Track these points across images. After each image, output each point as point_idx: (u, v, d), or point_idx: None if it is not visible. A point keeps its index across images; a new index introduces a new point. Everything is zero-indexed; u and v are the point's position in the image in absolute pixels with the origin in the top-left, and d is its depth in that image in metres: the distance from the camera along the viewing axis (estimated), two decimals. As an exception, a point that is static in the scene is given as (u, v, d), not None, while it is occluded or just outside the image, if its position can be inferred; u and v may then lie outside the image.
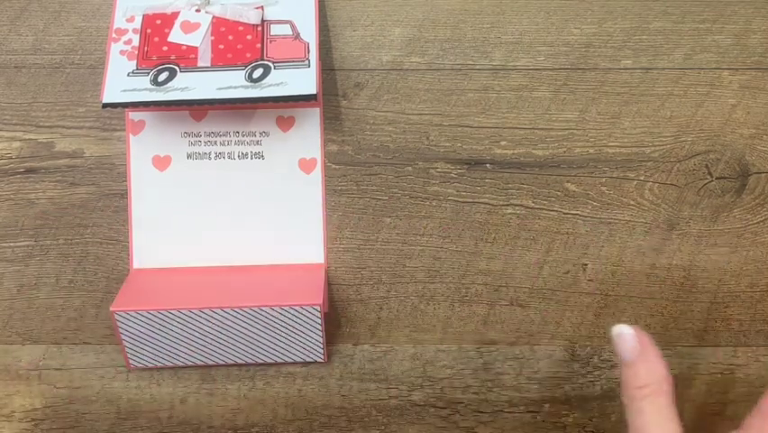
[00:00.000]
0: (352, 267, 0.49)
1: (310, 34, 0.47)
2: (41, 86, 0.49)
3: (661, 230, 0.49)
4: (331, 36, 0.49)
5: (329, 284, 0.49)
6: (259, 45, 0.47)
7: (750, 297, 0.49)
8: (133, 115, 0.48)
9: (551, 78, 0.49)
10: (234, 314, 0.45)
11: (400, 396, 0.50)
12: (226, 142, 0.48)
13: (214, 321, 0.45)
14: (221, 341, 0.46)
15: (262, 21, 0.47)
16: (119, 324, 0.45)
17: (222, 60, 0.46)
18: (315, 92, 0.45)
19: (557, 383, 0.50)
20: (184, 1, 0.47)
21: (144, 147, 0.48)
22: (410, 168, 0.49)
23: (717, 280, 0.49)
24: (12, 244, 0.49)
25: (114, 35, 0.47)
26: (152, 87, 0.45)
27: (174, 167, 0.48)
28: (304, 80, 0.45)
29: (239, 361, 0.47)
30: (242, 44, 0.47)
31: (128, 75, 0.46)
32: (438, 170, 0.49)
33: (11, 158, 0.49)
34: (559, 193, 0.49)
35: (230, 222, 0.48)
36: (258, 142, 0.47)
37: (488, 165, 0.49)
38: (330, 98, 0.49)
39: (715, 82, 0.49)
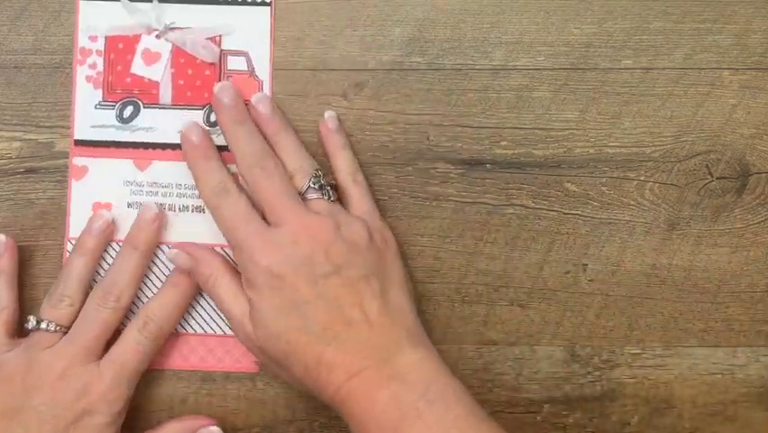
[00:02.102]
0: (352, 267, 0.49)
1: (264, 68, 0.49)
2: (40, 86, 0.49)
3: (661, 230, 0.49)
4: (331, 36, 0.49)
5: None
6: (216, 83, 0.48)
7: (750, 297, 0.49)
8: (77, 161, 0.49)
9: (551, 78, 0.49)
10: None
11: (400, 396, 0.50)
12: (168, 194, 0.48)
13: None
14: None
15: (220, 52, 0.48)
16: None
17: (182, 99, 0.48)
18: None
19: (557, 384, 0.50)
20: (144, 24, 0.48)
21: (86, 193, 0.49)
22: (410, 168, 0.49)
23: (718, 281, 0.49)
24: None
25: (78, 56, 0.48)
26: (119, 123, 0.48)
27: (114, 214, 0.48)
28: None
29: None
30: (201, 80, 0.48)
31: (95, 107, 0.48)
32: (438, 170, 0.49)
33: (11, 158, 0.49)
34: (559, 193, 0.49)
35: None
36: (199, 196, 0.47)
37: (488, 165, 0.49)
38: (330, 98, 0.49)
39: (715, 82, 0.49)
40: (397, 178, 0.49)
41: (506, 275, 0.49)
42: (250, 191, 0.46)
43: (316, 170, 0.46)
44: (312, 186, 0.46)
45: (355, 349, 0.42)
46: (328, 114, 0.48)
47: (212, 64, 0.48)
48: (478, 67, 0.49)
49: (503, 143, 0.49)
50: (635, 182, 0.49)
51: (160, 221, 0.48)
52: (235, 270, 0.46)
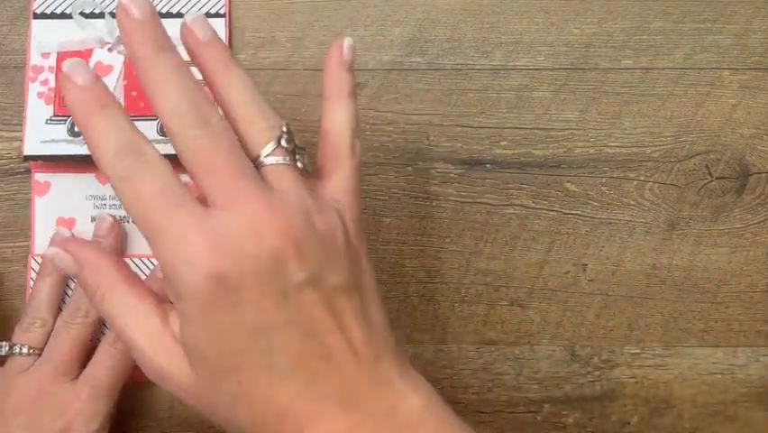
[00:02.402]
0: (352, 267, 0.49)
1: None
2: (41, 86, 0.49)
3: (661, 230, 0.49)
4: (331, 36, 0.49)
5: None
6: None
7: (750, 297, 0.49)
8: (39, 177, 0.48)
9: (551, 78, 0.49)
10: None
11: (400, 396, 0.50)
12: None
13: None
14: None
15: None
16: None
17: (134, 110, 0.48)
18: None
19: (557, 384, 0.50)
20: (96, 38, 0.48)
21: (49, 208, 0.48)
22: (410, 168, 0.49)
23: (718, 281, 0.49)
24: (12, 244, 0.49)
25: (30, 73, 0.48)
26: (69, 137, 0.47)
27: (78, 229, 0.48)
28: None
29: None
30: None
31: (46, 122, 0.48)
32: (438, 170, 0.49)
33: (11, 158, 0.49)
34: (559, 193, 0.49)
35: None
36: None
37: (488, 165, 0.49)
38: (330, 98, 0.49)
39: (715, 82, 0.49)
40: (397, 178, 0.49)
41: (506, 275, 0.49)
42: (180, 157, 0.30)
43: (286, 124, 0.32)
44: (282, 145, 0.31)
45: (339, 394, 0.30)
46: (348, 41, 0.34)
47: None
48: (478, 67, 0.49)
49: (503, 143, 0.49)
50: (635, 182, 0.49)
51: (117, 231, 0.46)
52: (136, 278, 0.33)
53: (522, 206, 0.49)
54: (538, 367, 0.50)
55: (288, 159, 0.31)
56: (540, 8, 0.49)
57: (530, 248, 0.49)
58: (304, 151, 0.32)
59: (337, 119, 0.34)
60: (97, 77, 0.31)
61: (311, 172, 0.32)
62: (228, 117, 0.31)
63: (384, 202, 0.49)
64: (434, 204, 0.49)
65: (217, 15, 0.49)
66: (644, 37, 0.49)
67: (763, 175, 0.49)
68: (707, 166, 0.49)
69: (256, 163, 0.31)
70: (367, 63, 0.49)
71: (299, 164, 0.31)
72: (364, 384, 0.30)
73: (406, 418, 0.30)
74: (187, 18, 0.32)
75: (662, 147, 0.49)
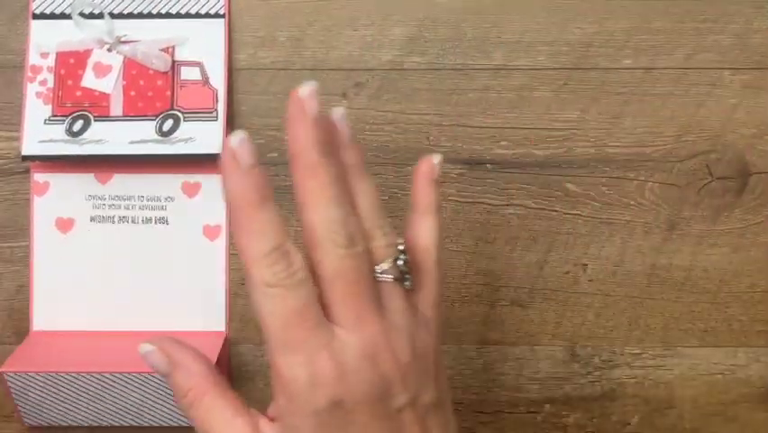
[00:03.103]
0: (352, 267, 0.49)
1: (219, 78, 0.48)
2: (40, 85, 0.49)
3: (661, 230, 0.49)
4: (331, 36, 0.49)
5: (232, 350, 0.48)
6: (169, 93, 0.48)
7: (750, 297, 0.49)
8: (38, 177, 0.48)
9: (551, 77, 0.49)
10: (123, 378, 0.45)
11: (400, 396, 0.50)
12: (130, 207, 0.48)
13: (103, 384, 0.45)
14: (110, 403, 0.46)
15: (173, 62, 0.48)
16: (9, 384, 0.45)
17: (133, 110, 0.48)
18: (220, 151, 0.45)
19: (557, 384, 0.50)
20: (95, 38, 0.48)
21: (48, 208, 0.48)
22: (410, 168, 0.49)
23: (718, 281, 0.49)
24: (12, 244, 0.49)
25: (29, 73, 0.48)
26: (68, 137, 0.47)
27: (77, 229, 0.48)
28: (210, 137, 0.47)
29: (131, 424, 0.46)
30: (153, 91, 0.48)
31: (44, 122, 0.48)
32: (438, 170, 0.49)
33: (11, 158, 0.49)
34: (559, 193, 0.49)
35: (131, 287, 0.48)
36: (162, 207, 0.48)
37: (488, 165, 0.49)
38: (330, 98, 0.49)
39: (716, 82, 0.49)
40: (397, 178, 0.49)
41: (506, 275, 0.49)
42: (318, 269, 0.31)
43: (400, 243, 0.33)
44: (398, 264, 0.32)
45: None
46: (437, 158, 0.36)
47: (164, 74, 0.48)
48: (478, 67, 0.49)
49: (503, 143, 0.49)
50: (636, 182, 0.49)
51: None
52: (226, 385, 0.33)
53: (522, 206, 0.49)
54: (538, 367, 0.50)
55: (399, 281, 0.32)
56: (541, 8, 0.49)
57: (530, 248, 0.49)
58: (411, 272, 0.33)
59: (424, 234, 0.35)
60: (257, 165, 0.30)
61: (412, 290, 0.33)
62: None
63: (384, 202, 0.49)
64: (434, 204, 0.49)
65: (217, 16, 0.49)
66: (645, 37, 0.49)
67: (764, 175, 0.49)
68: (707, 166, 0.49)
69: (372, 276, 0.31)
70: (367, 63, 0.49)
71: (407, 284, 0.32)
72: None
73: None
74: (334, 113, 0.33)
75: (662, 147, 0.49)
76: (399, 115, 0.49)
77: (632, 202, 0.49)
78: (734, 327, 0.49)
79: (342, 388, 0.30)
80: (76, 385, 0.45)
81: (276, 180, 0.49)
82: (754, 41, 0.49)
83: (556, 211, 0.49)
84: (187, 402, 0.33)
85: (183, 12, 0.48)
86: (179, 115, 0.48)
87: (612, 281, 0.49)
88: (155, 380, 0.45)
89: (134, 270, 0.48)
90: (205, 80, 0.48)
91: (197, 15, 0.49)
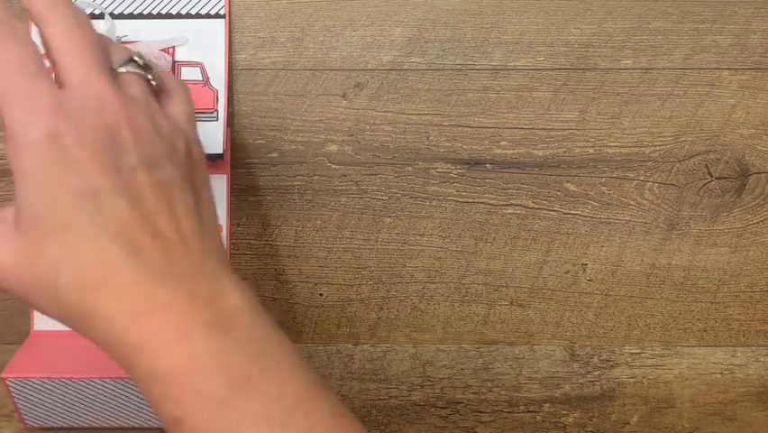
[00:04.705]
0: (352, 267, 0.49)
1: (220, 79, 0.48)
2: (40, 86, 0.49)
3: (661, 230, 0.49)
4: (331, 36, 0.49)
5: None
6: None
7: (750, 297, 0.49)
8: None
9: (551, 78, 0.49)
10: (124, 383, 0.44)
11: (400, 396, 0.50)
12: None
13: (104, 389, 0.45)
14: (112, 406, 0.45)
15: (173, 63, 0.48)
16: (11, 389, 0.45)
17: None
18: (221, 151, 0.47)
19: (557, 383, 0.50)
20: None
21: None
22: (410, 168, 0.49)
23: (717, 280, 0.49)
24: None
25: None
26: None
27: None
28: (211, 137, 0.47)
29: (132, 425, 0.46)
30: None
31: None
32: (438, 170, 0.49)
33: (11, 158, 0.49)
34: (559, 193, 0.49)
35: None
36: None
37: (488, 165, 0.49)
38: (330, 98, 0.49)
39: (715, 82, 0.49)
40: (397, 178, 0.49)
41: (506, 275, 0.49)
42: (42, 38, 0.33)
43: (140, 51, 0.36)
44: (135, 60, 0.35)
45: (163, 272, 0.30)
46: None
47: None
48: (478, 67, 0.49)
49: (503, 143, 0.49)
50: (635, 182, 0.49)
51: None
52: None
53: (522, 206, 0.49)
54: (538, 367, 0.50)
55: (141, 70, 0.34)
56: (540, 8, 0.50)
57: (530, 248, 0.49)
58: (154, 70, 0.35)
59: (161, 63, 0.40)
60: None
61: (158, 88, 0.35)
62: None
63: (384, 202, 0.49)
64: (434, 204, 0.49)
65: (217, 16, 0.49)
66: (644, 37, 0.49)
67: (763, 175, 0.49)
68: (706, 166, 0.49)
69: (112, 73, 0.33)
70: (367, 63, 0.49)
71: (150, 78, 0.35)
72: (189, 269, 0.31)
73: (225, 307, 0.31)
74: None
75: (661, 147, 0.49)
76: (399, 115, 0.49)
77: (631, 202, 0.49)
78: (733, 326, 0.50)
79: (61, 124, 0.30)
80: (77, 389, 0.45)
81: (276, 180, 0.49)
82: (753, 41, 0.49)
83: (556, 211, 0.49)
84: None
85: (183, 12, 0.49)
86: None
87: (611, 281, 0.49)
88: None
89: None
90: (206, 81, 0.48)
91: (198, 16, 0.49)
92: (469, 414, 0.50)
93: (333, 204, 0.49)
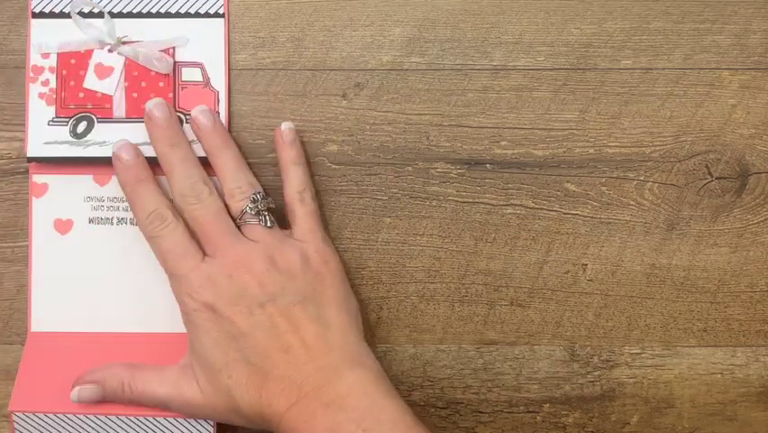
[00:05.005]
0: (352, 267, 0.49)
1: (220, 79, 0.48)
2: (40, 86, 0.49)
3: (661, 230, 0.49)
4: (331, 36, 0.49)
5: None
6: (171, 94, 0.48)
7: (750, 297, 0.49)
8: (36, 178, 0.48)
9: (551, 78, 0.49)
10: (129, 421, 0.46)
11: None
12: (129, 208, 0.47)
13: (110, 426, 0.46)
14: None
15: (174, 63, 0.48)
16: (15, 424, 0.46)
17: (136, 112, 0.48)
18: None
19: (557, 383, 0.50)
20: (96, 39, 0.48)
21: (47, 210, 0.48)
22: (410, 168, 0.49)
23: (717, 281, 0.49)
24: (12, 244, 0.49)
25: (31, 74, 0.48)
26: (72, 139, 0.48)
27: (76, 231, 0.48)
28: None
29: None
30: (155, 92, 0.48)
31: (48, 123, 0.48)
32: (438, 170, 0.49)
33: (11, 158, 0.49)
34: (559, 193, 0.49)
35: (129, 289, 0.48)
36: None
37: (488, 165, 0.49)
38: (330, 98, 0.49)
39: (715, 82, 0.49)
40: (397, 178, 0.49)
41: (506, 275, 0.49)
42: (186, 219, 0.45)
43: (256, 193, 0.45)
44: (248, 211, 0.45)
45: (294, 376, 0.42)
46: (285, 125, 0.47)
47: (166, 76, 0.48)
48: (478, 67, 0.49)
49: (503, 143, 0.49)
50: (635, 182, 0.49)
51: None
52: (139, 364, 0.46)
53: (522, 206, 0.49)
54: (538, 367, 0.50)
55: (256, 219, 0.45)
56: (540, 8, 0.50)
57: (530, 248, 0.49)
58: (270, 209, 0.46)
59: (288, 182, 0.47)
60: (139, 153, 0.47)
61: (275, 225, 0.46)
62: (222, 181, 0.46)
63: (384, 202, 0.49)
64: (434, 204, 0.49)
65: (216, 15, 0.49)
66: (644, 37, 0.49)
67: (763, 175, 0.49)
68: (706, 166, 0.49)
69: (237, 224, 0.45)
70: (367, 63, 0.49)
71: (265, 222, 0.45)
72: (311, 369, 0.42)
73: (340, 389, 0.42)
74: (195, 110, 0.47)
75: (661, 147, 0.49)
76: (399, 115, 0.49)
77: (631, 202, 0.49)
78: (733, 326, 0.50)
79: (207, 296, 0.43)
80: (81, 424, 0.46)
81: (276, 181, 0.49)
82: (753, 41, 0.49)
83: (556, 211, 0.49)
84: (127, 394, 0.45)
85: (183, 11, 0.49)
86: (182, 116, 0.48)
87: (611, 281, 0.49)
88: (152, 422, 0.46)
89: (133, 271, 0.48)
90: (207, 82, 0.48)
91: (197, 15, 0.49)
92: (469, 414, 0.50)
93: (333, 204, 0.49)
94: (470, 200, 0.49)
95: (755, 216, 0.49)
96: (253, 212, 0.45)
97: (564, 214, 0.49)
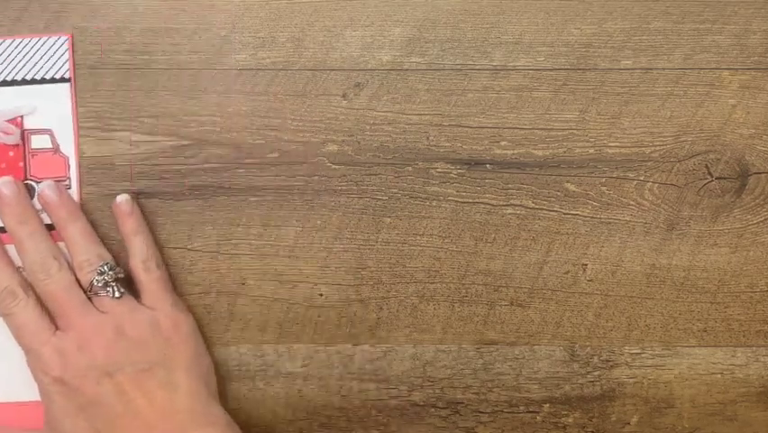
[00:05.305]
0: (352, 267, 0.49)
1: (69, 144, 0.48)
2: (40, 86, 0.49)
3: (661, 230, 0.49)
4: (331, 36, 0.49)
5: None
6: (21, 163, 0.48)
7: (750, 297, 0.49)
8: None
9: (551, 78, 0.49)
10: None
11: (400, 396, 0.50)
12: None
13: None
14: None
15: (23, 132, 0.48)
16: None
17: None
18: None
19: (557, 384, 0.50)
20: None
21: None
22: (410, 168, 0.49)
23: (717, 281, 0.49)
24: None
25: None
26: None
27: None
28: None
29: None
30: (5, 162, 0.48)
31: None
32: (438, 170, 0.49)
33: (11, 158, 0.49)
34: (559, 193, 0.49)
35: None
36: None
37: (488, 165, 0.49)
38: (330, 98, 0.49)
39: (715, 82, 0.49)
40: (397, 178, 0.49)
41: (505, 275, 0.49)
42: (38, 293, 0.46)
43: (103, 264, 0.47)
44: (96, 283, 0.46)
45: None
46: (121, 198, 0.48)
47: (15, 145, 0.48)
48: (478, 67, 0.49)
49: (503, 143, 0.49)
50: (635, 182, 0.49)
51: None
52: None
53: (522, 206, 0.49)
54: (538, 367, 0.50)
55: (104, 291, 0.46)
56: (540, 8, 0.50)
57: (530, 248, 0.49)
58: (119, 279, 0.47)
59: (132, 252, 0.48)
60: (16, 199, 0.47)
61: (124, 295, 0.47)
62: (72, 252, 0.47)
63: (384, 202, 0.49)
64: (434, 204, 0.49)
65: (62, 80, 0.48)
66: (644, 37, 0.49)
67: (763, 175, 0.49)
68: (706, 166, 0.49)
69: (88, 295, 0.46)
70: (367, 63, 0.49)
71: (113, 293, 0.46)
72: (163, 431, 0.44)
73: None
74: (42, 186, 0.48)
75: (661, 147, 0.49)
76: (399, 115, 0.49)
77: (631, 202, 0.49)
78: (733, 326, 0.50)
79: (60, 372, 0.44)
80: None
81: (276, 181, 0.49)
82: (753, 41, 0.49)
83: (556, 211, 0.49)
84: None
85: (29, 78, 0.48)
86: (34, 185, 0.48)
87: (611, 281, 0.49)
88: None
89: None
90: (56, 148, 0.48)
91: (43, 81, 0.48)
92: (469, 414, 0.50)
93: (333, 204, 0.49)
94: (470, 200, 0.49)
95: (755, 217, 0.49)
96: (101, 284, 0.46)
97: (564, 214, 0.49)
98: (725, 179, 0.49)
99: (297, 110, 0.49)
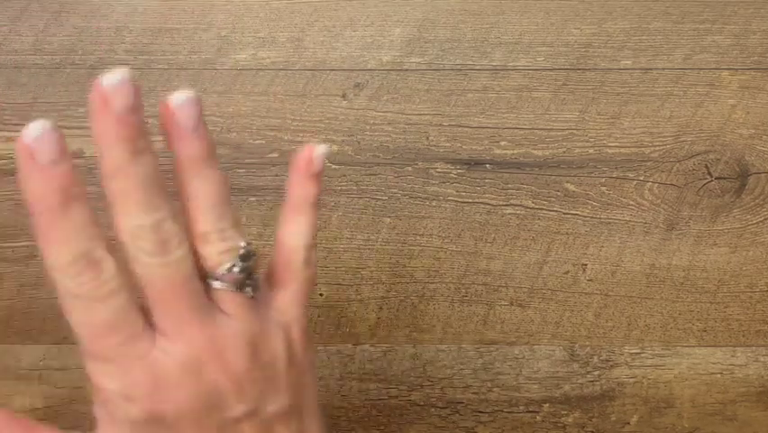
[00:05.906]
0: (352, 267, 0.49)
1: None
2: (41, 86, 0.49)
3: (660, 230, 0.49)
4: (331, 36, 0.49)
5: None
6: None
7: (749, 297, 0.49)
8: None
9: (550, 78, 0.49)
10: None
11: (400, 396, 0.50)
12: None
13: None
14: None
15: None
16: None
17: None
18: None
19: (557, 383, 0.50)
20: None
21: None
22: (410, 168, 0.49)
23: (717, 281, 0.49)
24: (12, 244, 0.49)
25: None
26: None
27: None
28: None
29: None
30: None
31: None
32: (438, 170, 0.49)
33: (11, 158, 0.49)
34: (559, 193, 0.49)
35: None
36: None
37: (487, 165, 0.49)
38: (330, 98, 0.49)
39: (714, 82, 0.49)
40: (397, 178, 0.49)
41: (505, 275, 0.49)
42: (134, 271, 0.28)
43: (247, 243, 0.30)
44: (234, 272, 0.29)
45: None
46: (321, 149, 0.32)
47: None
48: (478, 67, 0.49)
49: (503, 143, 0.49)
50: (635, 182, 0.49)
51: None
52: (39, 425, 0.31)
53: (522, 206, 0.49)
54: (538, 367, 0.50)
55: (236, 287, 0.29)
56: (539, 8, 0.50)
57: (530, 248, 0.49)
58: (256, 278, 0.30)
59: (293, 232, 0.32)
60: (62, 146, 0.27)
61: (258, 292, 0.30)
62: (189, 223, 0.29)
63: (384, 202, 0.49)
64: (434, 204, 0.49)
65: None
66: (644, 37, 0.49)
67: (763, 175, 0.49)
68: (706, 166, 0.49)
69: (207, 278, 0.29)
70: (367, 63, 0.49)
71: (251, 291, 0.29)
72: None
73: None
74: (176, 98, 0.28)
75: (661, 147, 0.49)
76: (399, 115, 0.49)
77: (631, 202, 0.49)
78: (732, 326, 0.50)
79: (160, 402, 0.28)
80: None
81: (276, 181, 0.49)
82: (753, 41, 0.49)
83: (555, 211, 0.49)
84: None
85: None
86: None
87: (611, 281, 0.49)
88: None
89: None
90: None
91: None
92: (469, 414, 0.50)
93: (333, 204, 0.49)
94: (470, 200, 0.49)
95: (755, 217, 0.49)
96: (241, 273, 0.29)
97: (564, 214, 0.49)
98: (724, 179, 0.49)
99: (297, 110, 0.49)
